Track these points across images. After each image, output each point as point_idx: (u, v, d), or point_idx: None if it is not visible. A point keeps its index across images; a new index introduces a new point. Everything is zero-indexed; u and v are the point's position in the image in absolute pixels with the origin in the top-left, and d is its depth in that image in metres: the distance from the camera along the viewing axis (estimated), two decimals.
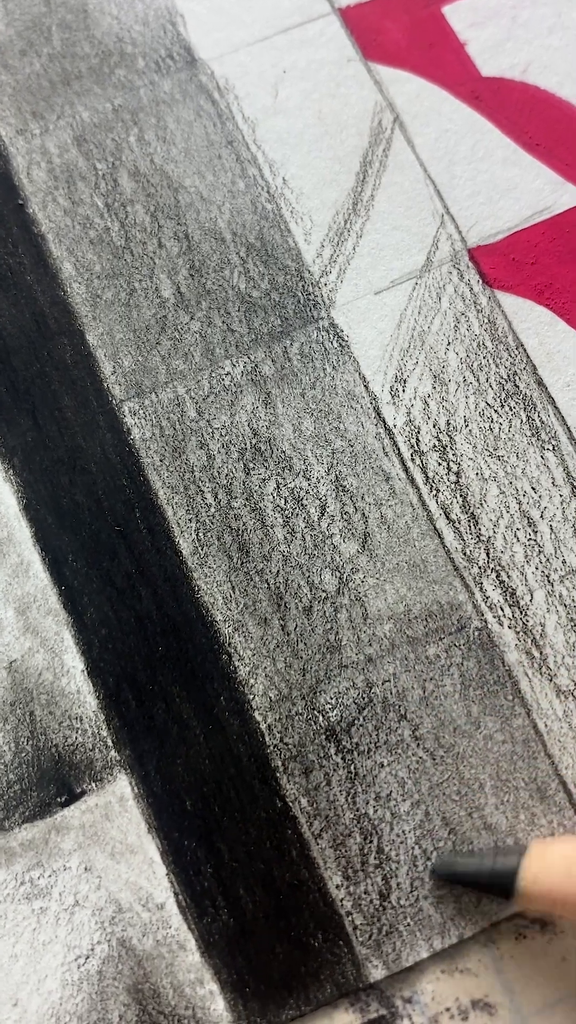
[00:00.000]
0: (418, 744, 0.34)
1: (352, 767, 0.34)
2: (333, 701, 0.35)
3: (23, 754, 0.34)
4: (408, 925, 0.33)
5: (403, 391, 0.38)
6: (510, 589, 0.36)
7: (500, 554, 0.36)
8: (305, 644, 0.35)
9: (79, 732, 0.35)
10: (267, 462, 0.37)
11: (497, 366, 0.38)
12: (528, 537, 0.36)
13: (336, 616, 0.35)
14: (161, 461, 0.37)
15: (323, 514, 0.36)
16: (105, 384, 0.38)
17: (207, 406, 0.37)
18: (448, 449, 0.37)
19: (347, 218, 0.39)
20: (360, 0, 0.42)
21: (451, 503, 0.36)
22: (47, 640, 0.35)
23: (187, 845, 0.34)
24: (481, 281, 0.39)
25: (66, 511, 0.36)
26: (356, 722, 0.35)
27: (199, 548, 0.36)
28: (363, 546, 0.36)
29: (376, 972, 0.33)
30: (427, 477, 0.37)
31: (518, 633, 0.35)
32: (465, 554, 0.36)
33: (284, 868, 0.34)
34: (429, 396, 0.37)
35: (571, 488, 0.36)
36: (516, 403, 0.37)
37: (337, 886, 0.33)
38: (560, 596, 0.35)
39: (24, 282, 0.39)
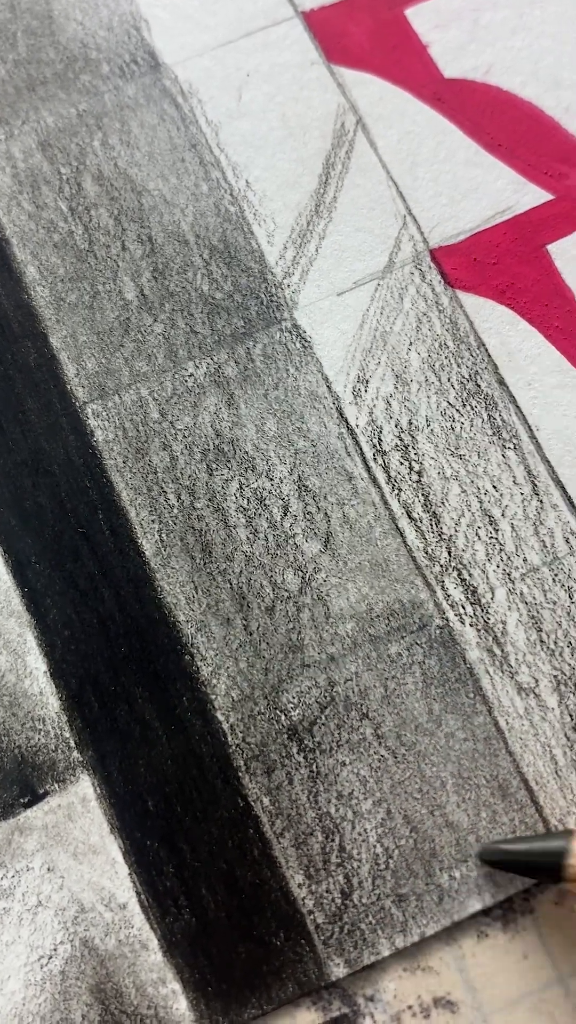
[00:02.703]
0: (380, 742, 0.34)
1: (314, 766, 0.34)
2: (295, 700, 0.35)
3: None
4: (370, 923, 0.33)
5: (365, 391, 0.38)
6: (471, 587, 0.36)
7: (461, 552, 0.36)
8: (268, 644, 0.35)
9: (42, 733, 0.35)
10: (230, 463, 0.37)
11: (459, 366, 0.38)
12: (489, 535, 0.36)
13: (299, 615, 0.36)
14: (124, 463, 0.37)
15: (286, 514, 0.37)
16: (68, 387, 0.38)
17: (170, 407, 0.38)
18: (410, 448, 0.37)
19: (310, 220, 0.40)
20: (323, 3, 0.42)
21: (413, 502, 0.37)
22: (10, 642, 0.35)
23: (149, 845, 0.34)
24: (443, 281, 0.39)
25: (29, 513, 0.37)
26: (318, 721, 0.35)
27: (162, 549, 0.36)
28: (325, 545, 0.36)
29: (338, 970, 0.33)
30: (389, 476, 0.37)
31: (479, 631, 0.35)
32: (427, 553, 0.36)
33: (246, 867, 0.34)
34: (391, 396, 0.38)
35: (532, 486, 0.37)
36: (477, 402, 0.38)
37: (299, 885, 0.33)
38: (521, 594, 0.36)
39: None
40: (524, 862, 0.32)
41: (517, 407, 0.37)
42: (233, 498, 0.37)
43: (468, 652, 0.35)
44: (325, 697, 0.35)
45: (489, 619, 0.35)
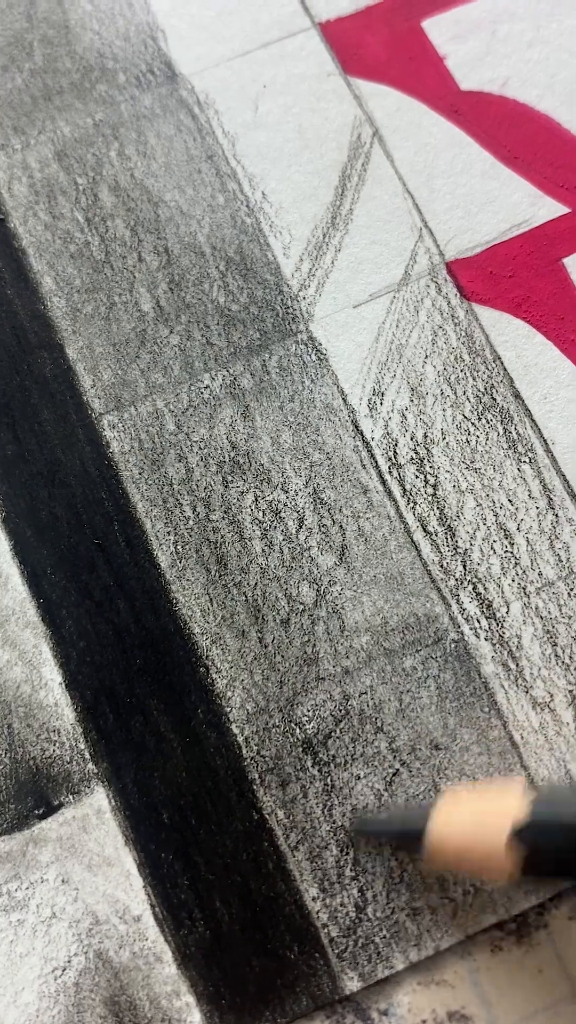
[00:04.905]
0: (394, 756, 0.35)
1: (329, 779, 0.34)
2: (310, 713, 0.35)
3: (0, 766, 0.34)
4: (384, 937, 0.33)
5: (381, 404, 0.38)
6: (487, 601, 0.36)
7: (477, 566, 0.36)
8: (283, 656, 0.35)
9: (57, 745, 0.35)
10: (245, 475, 0.37)
11: (474, 379, 0.38)
12: (505, 549, 0.36)
13: (313, 628, 0.36)
14: (140, 474, 0.37)
15: (301, 527, 0.37)
16: (84, 398, 0.38)
17: (186, 419, 0.38)
18: (425, 462, 0.37)
19: (326, 232, 0.40)
20: (340, 14, 0.42)
21: (428, 515, 0.37)
22: (25, 653, 0.35)
23: (164, 857, 0.34)
24: (459, 294, 0.39)
25: (45, 524, 0.37)
26: (333, 734, 0.35)
27: (177, 561, 0.36)
28: (340, 559, 0.36)
29: (352, 984, 0.33)
30: (404, 490, 0.37)
31: (494, 645, 0.35)
32: (442, 566, 0.36)
33: (260, 880, 0.34)
34: (407, 409, 0.38)
35: (547, 500, 0.37)
36: (493, 416, 0.38)
37: (313, 898, 0.33)
38: (536, 608, 0.36)
39: (4, 296, 0.39)
40: (387, 834, 0.34)
41: (532, 421, 0.37)
42: (248, 510, 0.37)
43: (483, 666, 0.35)
44: (340, 710, 0.35)
45: (504, 633, 0.35)
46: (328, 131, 0.41)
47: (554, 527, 0.36)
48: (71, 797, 0.34)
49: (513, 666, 0.35)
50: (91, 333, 0.38)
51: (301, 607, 0.36)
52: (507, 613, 0.36)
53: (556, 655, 0.35)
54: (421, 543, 0.36)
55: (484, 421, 0.38)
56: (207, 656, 0.35)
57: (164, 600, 0.36)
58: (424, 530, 0.36)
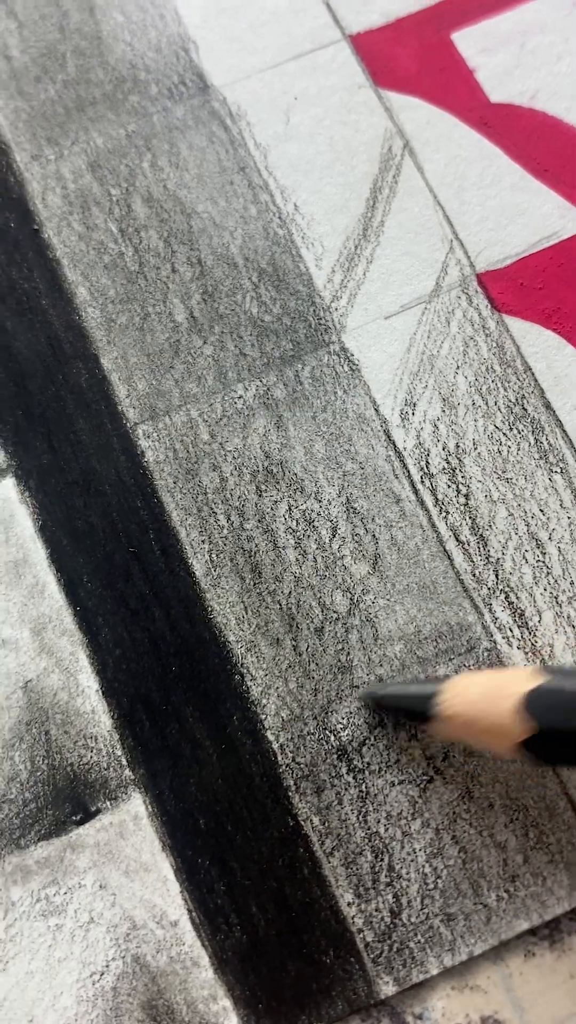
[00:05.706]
0: (429, 763, 0.35)
1: (363, 786, 0.35)
2: (344, 721, 0.35)
3: (39, 773, 0.35)
4: (419, 942, 0.34)
5: (413, 414, 0.38)
6: (519, 610, 0.36)
7: (509, 575, 0.36)
8: (317, 664, 0.36)
9: (94, 751, 0.35)
10: (279, 484, 0.37)
11: (505, 389, 0.38)
12: (536, 559, 0.37)
13: (347, 637, 0.36)
14: (175, 483, 0.37)
15: (334, 536, 0.37)
16: (119, 407, 0.38)
17: (220, 429, 0.38)
18: (457, 471, 0.38)
19: (357, 244, 0.40)
20: (371, 27, 0.43)
21: (460, 525, 0.37)
22: (62, 660, 0.36)
23: (200, 863, 0.34)
24: (490, 306, 0.39)
25: (81, 533, 0.37)
26: (367, 742, 0.35)
27: (212, 569, 0.37)
28: (374, 567, 0.37)
29: (387, 989, 0.33)
30: (437, 499, 0.37)
31: (527, 654, 0.36)
32: (474, 575, 0.37)
33: (296, 886, 0.34)
34: (438, 419, 0.38)
35: None
36: (524, 426, 0.38)
37: (348, 904, 0.34)
38: (568, 617, 0.36)
39: (39, 306, 0.39)
40: (397, 703, 0.34)
41: (564, 431, 0.38)
42: (282, 519, 0.37)
43: None
44: (374, 718, 0.35)
45: (536, 642, 0.36)
46: (359, 143, 0.41)
47: None
48: (108, 803, 0.35)
49: None
50: (125, 343, 0.39)
51: (335, 615, 0.36)
52: (539, 622, 0.36)
53: None
54: (454, 552, 0.37)
55: (515, 431, 0.38)
56: (242, 664, 0.36)
57: (199, 608, 0.36)
58: (456, 539, 0.37)
